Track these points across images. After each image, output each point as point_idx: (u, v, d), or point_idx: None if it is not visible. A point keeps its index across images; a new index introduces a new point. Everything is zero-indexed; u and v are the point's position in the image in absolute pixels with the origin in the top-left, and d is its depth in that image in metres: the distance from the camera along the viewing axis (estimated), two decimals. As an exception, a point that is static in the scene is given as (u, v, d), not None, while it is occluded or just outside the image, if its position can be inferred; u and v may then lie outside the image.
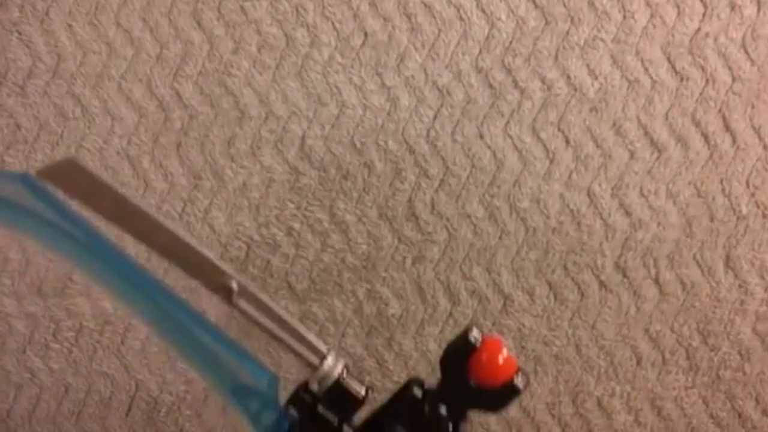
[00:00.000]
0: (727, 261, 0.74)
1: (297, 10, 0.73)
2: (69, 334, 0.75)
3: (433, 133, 0.73)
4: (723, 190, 0.73)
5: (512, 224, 0.73)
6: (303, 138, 0.73)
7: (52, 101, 0.73)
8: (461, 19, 0.73)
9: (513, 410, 0.75)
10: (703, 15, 0.72)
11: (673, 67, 0.72)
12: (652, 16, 0.72)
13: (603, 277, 0.74)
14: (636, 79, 0.72)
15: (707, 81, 0.72)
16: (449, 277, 0.74)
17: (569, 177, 0.73)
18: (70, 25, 0.73)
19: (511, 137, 0.73)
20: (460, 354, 0.41)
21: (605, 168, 0.73)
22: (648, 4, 0.72)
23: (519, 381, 0.41)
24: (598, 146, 0.73)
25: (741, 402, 0.75)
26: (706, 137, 0.73)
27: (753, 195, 0.73)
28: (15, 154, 0.73)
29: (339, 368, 0.42)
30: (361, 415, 0.43)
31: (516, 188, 0.73)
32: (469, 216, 0.74)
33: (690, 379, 0.75)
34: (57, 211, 0.43)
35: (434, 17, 0.73)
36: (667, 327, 0.74)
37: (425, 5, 0.73)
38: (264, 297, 0.44)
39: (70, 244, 0.43)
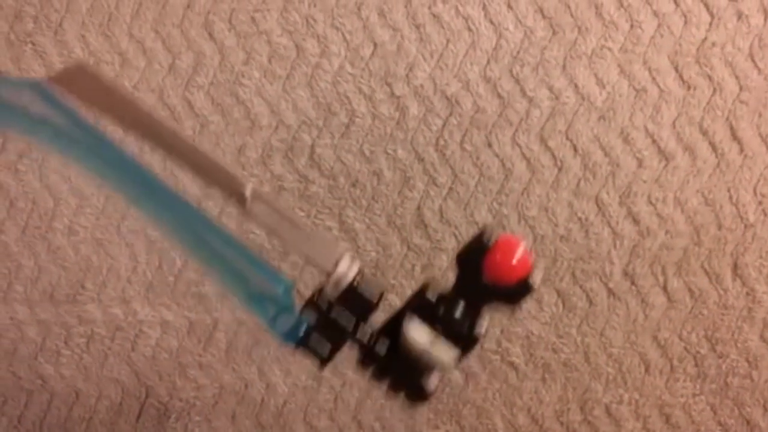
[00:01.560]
0: (735, 269, 0.74)
1: (307, 21, 0.74)
2: (80, 341, 0.76)
3: (441, 142, 0.74)
4: (730, 198, 0.73)
5: (520, 232, 0.74)
6: (313, 147, 0.74)
7: (65, 110, 0.74)
8: (469, 29, 0.73)
9: (521, 417, 0.75)
10: (710, 24, 0.72)
11: (681, 76, 0.73)
12: (659, 25, 0.72)
13: (611, 285, 0.74)
14: (643, 88, 0.73)
15: (714, 90, 0.73)
16: (458, 285, 0.74)
17: (577, 185, 0.73)
18: (83, 36, 0.74)
19: (519, 146, 0.73)
20: (475, 253, 0.41)
21: (613, 176, 0.73)
22: (655, 14, 0.72)
23: (533, 279, 0.41)
24: (606, 155, 0.73)
25: (749, 409, 0.75)
26: (713, 146, 0.73)
27: (760, 203, 0.73)
28: (28, 163, 0.74)
29: (353, 272, 0.42)
30: (379, 319, 0.42)
31: (524, 196, 0.74)
32: (477, 224, 0.74)
33: (698, 386, 0.75)
34: (69, 117, 0.42)
35: (443, 27, 0.73)
36: (675, 334, 0.74)
37: (434, 16, 0.73)
38: (278, 202, 0.44)
39: (83, 151, 0.43)
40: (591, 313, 0.74)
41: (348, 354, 0.42)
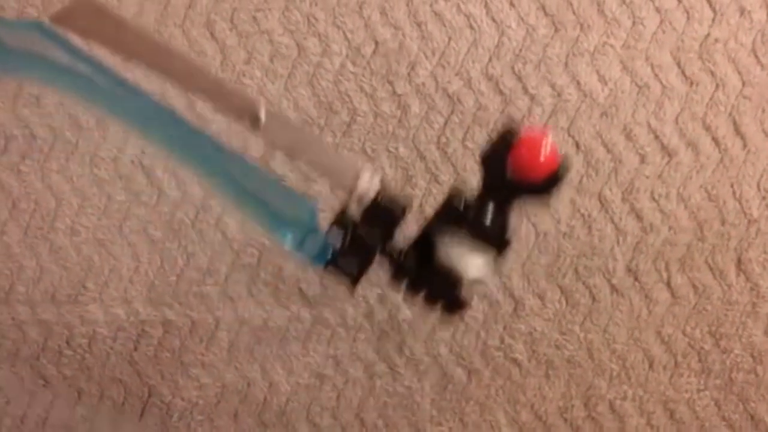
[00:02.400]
0: (739, 264, 0.74)
1: (308, 20, 0.74)
2: (82, 341, 0.76)
3: (443, 140, 0.73)
4: (734, 193, 0.73)
5: (523, 229, 0.74)
6: (314, 145, 0.74)
7: (66, 111, 0.74)
8: (471, 27, 0.73)
9: (525, 414, 0.75)
10: (713, 20, 0.72)
11: (683, 72, 0.73)
12: (661, 21, 0.72)
13: (614, 281, 0.74)
14: (646, 85, 0.73)
15: (717, 85, 0.72)
16: (460, 283, 0.74)
17: (580, 182, 0.73)
18: (84, 35, 0.74)
19: (521, 143, 0.73)
20: (499, 152, 0.39)
21: (616, 173, 0.73)
22: (657, 10, 0.72)
23: (561, 172, 0.39)
24: (608, 151, 0.73)
25: (754, 404, 0.75)
26: (716, 141, 0.73)
27: (764, 198, 0.73)
28: (30, 164, 0.74)
29: (375, 186, 0.41)
30: (408, 234, 0.41)
31: (526, 193, 0.73)
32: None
33: (702, 381, 0.75)
34: (75, 56, 0.41)
35: (444, 25, 0.73)
36: (678, 330, 0.74)
37: (435, 14, 0.73)
38: (291, 120, 0.43)
39: (91, 89, 0.42)
40: (594, 310, 0.74)
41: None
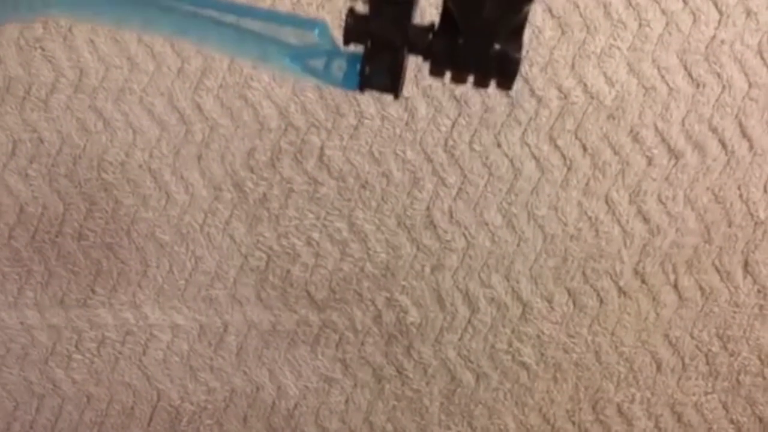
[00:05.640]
0: (746, 266, 0.74)
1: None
2: (91, 345, 0.76)
3: (450, 142, 0.74)
4: (741, 195, 0.73)
5: (530, 231, 0.74)
6: (322, 149, 0.74)
7: (74, 115, 0.74)
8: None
9: (533, 417, 0.75)
10: (719, 22, 0.72)
11: (690, 74, 0.73)
12: (667, 23, 0.72)
13: (622, 284, 0.74)
14: (652, 87, 0.73)
15: (724, 87, 0.72)
16: (468, 285, 0.74)
17: (587, 184, 0.73)
18: (92, 41, 0.74)
19: (528, 145, 0.73)
20: None
21: (623, 175, 0.73)
22: (663, 12, 0.72)
23: None
24: (615, 153, 0.73)
25: (761, 407, 0.75)
26: (723, 143, 0.73)
27: (771, 200, 0.73)
28: (38, 168, 0.74)
29: None
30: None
31: (534, 196, 0.74)
32: (487, 224, 0.74)
33: (710, 384, 0.75)
34: None
35: (450, 28, 0.73)
36: (686, 333, 0.74)
37: (441, 16, 0.73)
38: None
39: None
40: (602, 313, 0.74)
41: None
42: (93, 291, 0.76)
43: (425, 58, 0.37)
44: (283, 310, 0.75)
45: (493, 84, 0.37)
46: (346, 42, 0.36)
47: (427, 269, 0.75)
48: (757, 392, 0.75)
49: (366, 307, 0.75)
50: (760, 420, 0.75)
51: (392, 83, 0.37)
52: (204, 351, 0.76)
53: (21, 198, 0.75)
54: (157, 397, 0.77)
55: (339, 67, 0.38)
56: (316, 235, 0.74)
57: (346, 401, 0.76)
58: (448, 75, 0.37)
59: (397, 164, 0.74)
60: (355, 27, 0.36)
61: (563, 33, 0.73)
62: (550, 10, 0.73)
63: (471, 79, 0.37)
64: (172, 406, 0.77)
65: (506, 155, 0.73)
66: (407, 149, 0.74)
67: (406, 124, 0.74)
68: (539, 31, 0.73)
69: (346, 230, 0.74)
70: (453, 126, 0.73)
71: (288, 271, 0.75)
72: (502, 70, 0.36)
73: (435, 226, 0.74)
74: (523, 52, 0.36)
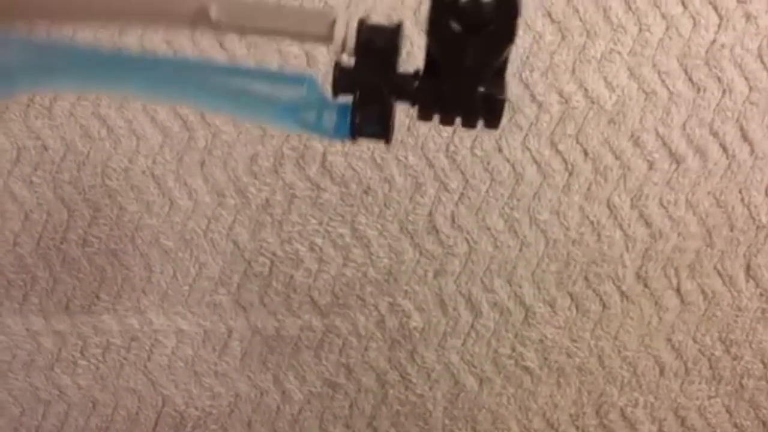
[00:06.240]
0: (748, 270, 0.74)
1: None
2: (96, 351, 0.77)
3: (452, 147, 0.74)
4: (742, 199, 0.73)
5: (532, 236, 0.74)
6: (324, 154, 0.74)
7: (78, 122, 0.74)
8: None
9: (536, 422, 0.76)
10: (719, 26, 0.72)
11: (690, 79, 0.73)
12: (667, 28, 0.73)
13: (624, 288, 0.74)
14: (653, 91, 0.73)
15: (724, 91, 0.73)
16: (470, 290, 0.75)
17: (588, 189, 0.74)
18: (95, 48, 0.75)
19: (529, 150, 0.74)
20: None
21: (624, 179, 0.73)
22: (663, 17, 0.72)
23: None
24: (616, 158, 0.73)
25: (765, 411, 0.75)
26: (724, 147, 0.73)
27: (773, 204, 0.73)
28: (42, 175, 0.75)
29: (354, 25, 0.36)
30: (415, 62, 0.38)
31: (536, 200, 0.74)
32: (489, 229, 0.74)
33: (713, 388, 0.75)
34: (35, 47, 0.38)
35: (452, 33, 0.74)
36: (689, 337, 0.74)
37: (443, 22, 0.74)
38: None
39: (47, 71, 0.38)
40: (604, 317, 0.74)
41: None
42: (98, 297, 0.76)
43: (413, 104, 0.38)
44: (287, 316, 0.75)
45: (480, 123, 0.38)
46: (335, 94, 0.37)
47: (430, 274, 0.75)
48: (760, 396, 0.75)
49: (369, 312, 0.75)
50: (764, 424, 0.75)
51: (383, 130, 0.38)
52: (208, 356, 0.76)
53: (25, 205, 0.75)
54: (162, 402, 0.77)
55: (330, 118, 0.38)
56: (319, 241, 0.75)
57: (350, 406, 0.76)
58: (436, 117, 0.38)
59: (399, 170, 0.74)
60: (342, 80, 0.37)
61: (563, 38, 0.73)
62: (550, 15, 0.73)
63: (459, 120, 0.38)
64: (177, 411, 0.77)
65: (508, 160, 0.74)
66: (409, 154, 0.74)
67: (408, 129, 0.74)
68: (539, 36, 0.73)
69: (348, 235, 0.75)
70: (454, 131, 0.74)
71: (291, 277, 0.75)
72: (488, 111, 0.37)
73: (437, 231, 0.74)
74: (507, 93, 0.37)
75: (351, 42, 0.36)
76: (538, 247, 0.74)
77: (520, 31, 0.73)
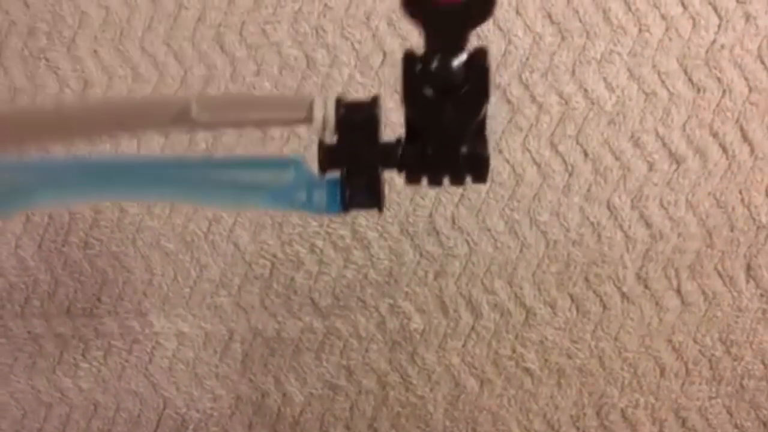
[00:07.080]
0: (748, 270, 0.74)
1: (317, 32, 0.74)
2: (98, 354, 0.77)
3: (452, 149, 0.74)
4: (742, 200, 0.73)
5: (532, 237, 0.74)
6: (324, 156, 0.74)
7: (79, 125, 0.74)
8: (478, 36, 0.73)
9: (537, 423, 0.76)
10: (719, 27, 0.72)
11: (690, 79, 0.73)
12: (667, 29, 0.73)
13: (625, 289, 0.74)
14: (653, 92, 0.73)
15: (724, 92, 0.73)
16: (471, 291, 0.75)
17: (588, 190, 0.74)
18: (95, 51, 0.75)
19: (529, 151, 0.74)
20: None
21: (624, 180, 0.73)
22: (663, 18, 0.73)
23: None
24: (616, 158, 0.73)
25: (765, 411, 0.75)
26: (724, 148, 0.73)
27: (773, 204, 0.73)
28: (43, 178, 0.75)
29: (331, 106, 0.38)
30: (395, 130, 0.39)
31: (536, 202, 0.74)
32: (489, 230, 0.74)
33: (714, 389, 0.75)
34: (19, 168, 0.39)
35: (451, 35, 0.74)
36: (689, 337, 0.74)
37: (442, 23, 0.74)
38: (217, 95, 0.40)
39: (47, 186, 0.40)
40: (605, 318, 0.74)
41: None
42: (99, 300, 0.76)
43: (399, 170, 0.39)
44: (288, 318, 0.76)
45: (469, 180, 0.39)
46: (322, 172, 0.38)
47: (430, 276, 0.75)
48: (761, 396, 0.75)
49: (370, 313, 0.75)
50: (765, 424, 0.75)
51: (373, 200, 0.39)
52: (209, 358, 0.76)
53: (27, 208, 0.75)
54: (163, 404, 0.77)
55: (320, 196, 0.39)
56: (319, 243, 0.75)
57: (351, 408, 0.76)
58: (425, 180, 0.39)
59: (400, 171, 0.74)
60: (327, 158, 0.38)
61: (563, 39, 0.73)
62: (550, 16, 0.73)
63: (447, 180, 0.39)
64: (178, 413, 0.77)
65: (508, 161, 0.74)
66: (409, 156, 0.74)
67: (408, 131, 0.74)
68: (539, 38, 0.73)
69: (349, 237, 0.75)
70: (455, 133, 0.74)
71: (292, 279, 0.75)
72: (473, 168, 0.38)
73: (438, 233, 0.74)
74: (491, 148, 0.38)
75: (331, 121, 0.37)
76: (539, 248, 0.74)
77: (520, 32, 0.73)
